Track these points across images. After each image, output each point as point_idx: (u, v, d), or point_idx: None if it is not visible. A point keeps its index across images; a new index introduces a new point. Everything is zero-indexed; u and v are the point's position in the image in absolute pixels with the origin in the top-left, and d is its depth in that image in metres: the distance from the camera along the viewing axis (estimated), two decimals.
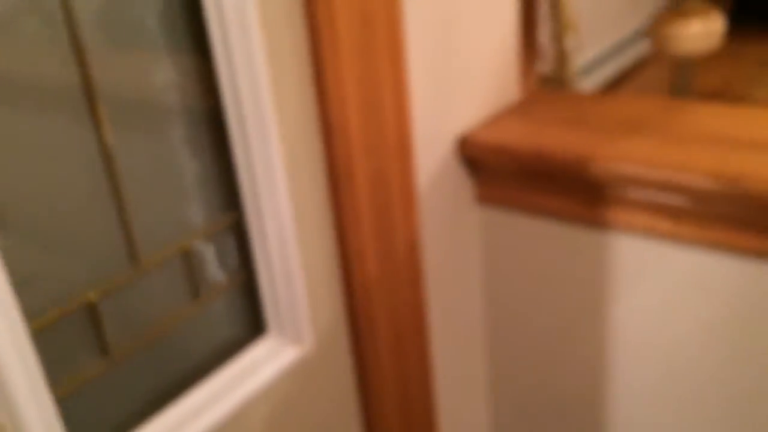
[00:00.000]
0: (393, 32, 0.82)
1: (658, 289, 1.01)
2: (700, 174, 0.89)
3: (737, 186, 0.88)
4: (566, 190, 1.02)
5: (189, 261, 0.76)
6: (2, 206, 0.63)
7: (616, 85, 3.20)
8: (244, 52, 0.70)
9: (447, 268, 1.08)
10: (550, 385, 1.19)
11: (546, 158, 1.00)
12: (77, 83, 0.64)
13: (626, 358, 1.08)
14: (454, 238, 1.09)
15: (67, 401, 0.68)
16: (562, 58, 2.33)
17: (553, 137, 1.03)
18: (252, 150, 0.76)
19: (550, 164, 1.00)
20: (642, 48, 3.26)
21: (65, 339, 0.67)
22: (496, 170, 1.07)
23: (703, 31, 1.35)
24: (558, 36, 2.30)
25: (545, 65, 2.31)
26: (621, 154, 0.96)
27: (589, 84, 3.18)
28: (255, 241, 0.81)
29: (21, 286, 0.62)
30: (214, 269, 0.80)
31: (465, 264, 1.12)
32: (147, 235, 0.72)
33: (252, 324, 0.85)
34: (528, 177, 1.05)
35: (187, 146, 0.74)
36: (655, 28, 1.44)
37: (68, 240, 0.68)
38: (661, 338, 1.03)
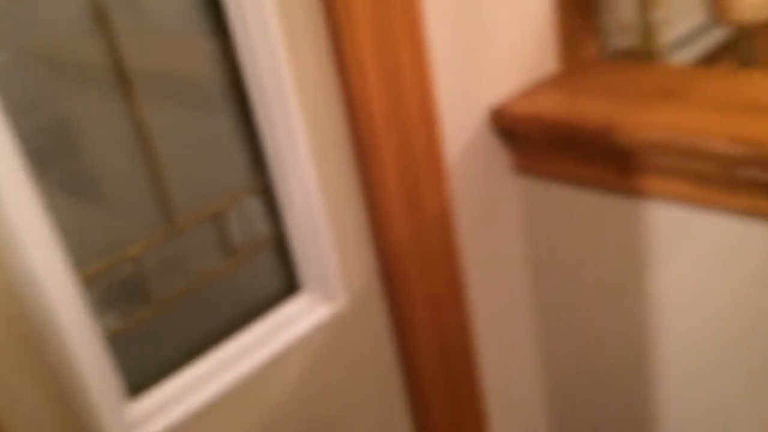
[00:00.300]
0: (409, 4, 0.88)
1: (692, 254, 1.02)
2: (725, 139, 0.90)
3: (763, 151, 0.87)
4: (597, 159, 1.04)
5: (221, 221, 0.85)
6: (61, 176, 0.74)
7: (711, 58, 3.07)
8: (260, 29, 0.78)
9: (484, 235, 1.13)
10: (597, 347, 1.21)
11: (574, 127, 1.02)
12: (111, 66, 0.73)
13: (667, 321, 1.09)
14: (491, 206, 1.13)
15: (116, 344, 0.79)
16: (648, 31, 2.28)
17: (585, 106, 1.05)
18: (274, 121, 0.83)
19: (578, 133, 1.02)
20: None
21: (112, 288, 0.78)
22: (530, 140, 1.10)
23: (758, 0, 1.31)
24: (644, 8, 2.25)
25: (628, 39, 2.27)
26: (648, 121, 0.97)
27: (681, 58, 3.07)
28: (283, 205, 0.89)
29: (72, 241, 0.73)
30: (247, 230, 0.88)
31: (504, 231, 1.16)
32: (182, 198, 0.81)
33: (287, 282, 0.94)
34: (560, 146, 1.07)
35: (217, 118, 0.83)
36: None
37: (113, 202, 0.78)
38: (698, 302, 1.04)
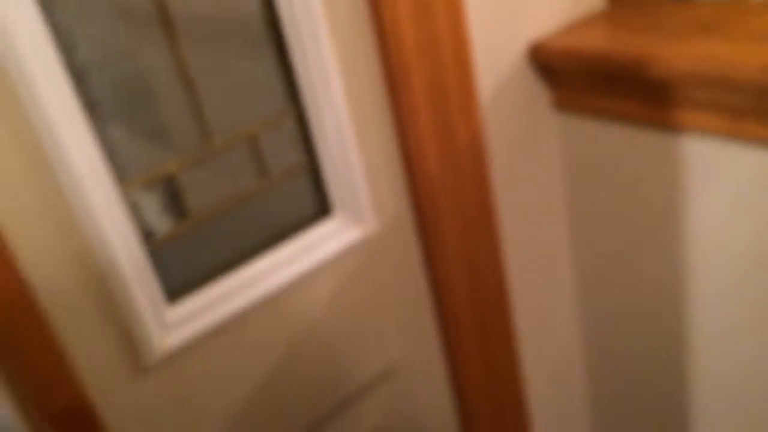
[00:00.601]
0: None
1: (726, 188, 1.01)
2: (756, 69, 0.88)
3: None
4: (634, 93, 1.04)
5: (256, 145, 0.91)
6: (109, 98, 0.81)
7: None
8: None
9: (520, 169, 1.15)
10: (634, 287, 1.22)
11: (611, 60, 1.02)
12: (157, 5, 0.79)
13: (701, 253, 1.09)
14: (528, 141, 1.14)
15: (157, 254, 0.86)
16: None
17: (624, 40, 1.04)
18: (306, 51, 0.88)
19: (615, 65, 1.02)
20: None
21: (153, 202, 0.85)
22: (569, 76, 1.11)
23: None
24: None
25: None
26: (684, 53, 0.96)
27: None
28: (315, 132, 0.94)
29: (116, 158, 0.80)
30: (282, 154, 0.94)
31: (541, 166, 1.18)
32: (219, 123, 0.87)
33: (319, 205, 0.99)
34: (598, 81, 1.07)
35: (252, 49, 0.88)
36: None
37: (155, 124, 0.85)
38: (732, 237, 1.03)
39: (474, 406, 1.24)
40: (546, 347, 1.32)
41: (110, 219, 0.79)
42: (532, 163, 1.17)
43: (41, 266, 0.77)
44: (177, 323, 0.87)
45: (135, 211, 0.84)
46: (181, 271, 0.89)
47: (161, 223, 0.87)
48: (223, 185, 0.90)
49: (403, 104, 0.98)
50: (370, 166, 0.98)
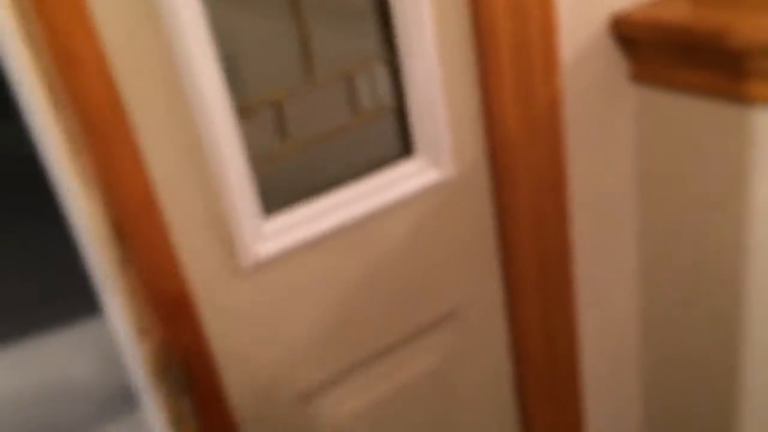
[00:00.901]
0: None
1: None
2: None
3: None
4: (713, 64, 1.09)
5: (352, 84, 1.00)
6: (233, 56, 0.92)
7: None
8: None
9: (594, 136, 1.21)
10: (695, 262, 1.26)
11: (691, 31, 1.07)
12: None
13: (766, 238, 1.13)
14: (604, 110, 1.20)
15: (257, 172, 0.97)
16: None
17: (702, 13, 1.10)
18: (405, 3, 0.97)
19: (695, 36, 1.07)
20: None
21: (259, 126, 0.96)
22: (648, 47, 1.16)
23: None
24: None
25: None
26: (760, 24, 1.01)
27: None
28: (406, 77, 1.03)
29: (232, 83, 0.91)
30: (374, 95, 1.03)
31: (614, 136, 1.24)
32: (321, 61, 0.97)
33: (404, 145, 1.08)
34: (677, 52, 1.13)
35: (356, 7, 0.98)
36: None
37: (265, 56, 0.95)
38: None
39: (530, 359, 1.31)
40: (603, 315, 1.37)
41: (224, 136, 0.90)
42: (606, 132, 1.23)
43: (165, 170, 0.88)
44: (271, 235, 0.97)
45: (244, 131, 0.94)
46: (279, 190, 0.99)
47: (265, 144, 0.97)
48: (321, 118, 1.00)
49: (489, 62, 1.06)
50: (453, 114, 1.06)
